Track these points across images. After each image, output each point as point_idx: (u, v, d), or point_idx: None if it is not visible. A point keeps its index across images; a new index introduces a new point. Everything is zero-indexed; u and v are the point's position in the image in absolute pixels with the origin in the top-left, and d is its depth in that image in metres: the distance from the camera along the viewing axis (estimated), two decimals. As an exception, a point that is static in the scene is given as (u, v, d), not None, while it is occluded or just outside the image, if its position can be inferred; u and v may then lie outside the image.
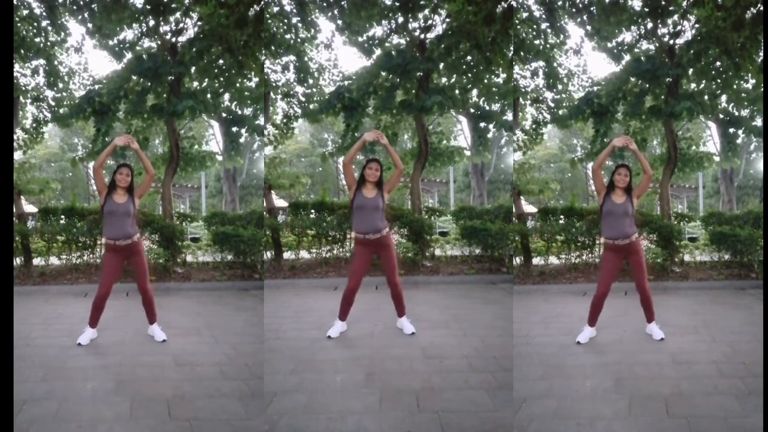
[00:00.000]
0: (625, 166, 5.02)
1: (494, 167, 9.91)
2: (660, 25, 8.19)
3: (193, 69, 8.12)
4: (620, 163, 5.13)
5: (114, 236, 4.88)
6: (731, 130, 8.93)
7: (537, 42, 8.47)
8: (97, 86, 8.35)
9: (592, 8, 8.26)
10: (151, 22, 8.16)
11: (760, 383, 3.97)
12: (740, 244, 8.05)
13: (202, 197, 11.10)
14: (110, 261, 4.93)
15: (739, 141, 9.16)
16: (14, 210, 8.43)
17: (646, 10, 8.13)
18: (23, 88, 8.42)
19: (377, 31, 8.40)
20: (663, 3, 8.07)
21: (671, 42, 8.22)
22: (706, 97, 8.19)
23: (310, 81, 8.66)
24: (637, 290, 5.11)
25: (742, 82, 8.20)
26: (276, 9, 8.37)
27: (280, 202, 9.43)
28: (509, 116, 8.58)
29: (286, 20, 8.47)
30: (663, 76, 8.18)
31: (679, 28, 8.19)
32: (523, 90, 8.58)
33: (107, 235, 4.90)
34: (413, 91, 8.38)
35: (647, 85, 8.28)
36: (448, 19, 8.26)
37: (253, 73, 8.11)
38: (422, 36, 8.36)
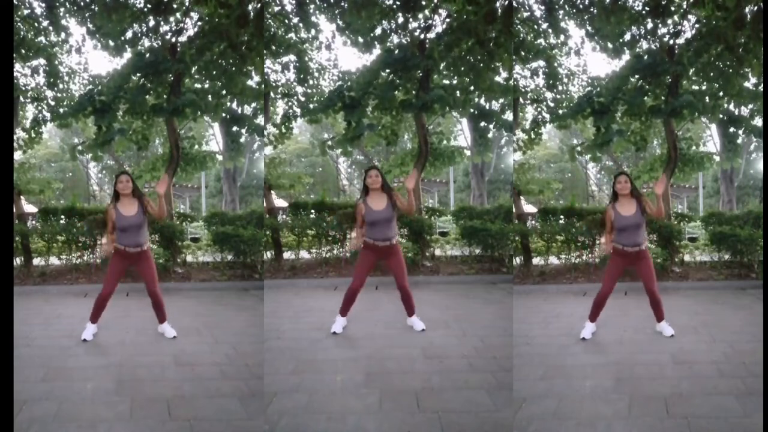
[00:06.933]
0: (623, 174, 5.10)
1: (494, 167, 9.91)
2: (660, 25, 8.18)
3: (193, 69, 8.11)
4: (619, 172, 5.20)
5: (125, 243, 4.96)
6: (731, 129, 8.92)
7: (537, 42, 8.46)
8: (97, 84, 8.34)
9: (592, 8, 8.25)
10: (152, 22, 8.16)
11: (760, 383, 3.96)
12: (740, 244, 8.04)
13: (202, 197, 11.10)
14: (116, 265, 5.02)
15: (739, 141, 9.15)
16: (14, 210, 8.43)
17: (647, 9, 8.12)
18: (23, 88, 8.41)
19: (377, 31, 8.39)
20: (663, 3, 8.06)
21: (671, 42, 8.21)
22: (707, 98, 8.18)
23: (310, 81, 8.65)
24: (647, 294, 5.13)
25: (743, 80, 8.18)
26: (276, 9, 8.37)
27: (280, 202, 9.43)
28: (509, 116, 8.57)
29: (286, 20, 8.47)
30: (663, 74, 8.17)
31: (679, 28, 8.19)
32: (523, 90, 8.58)
33: (118, 241, 4.97)
34: (413, 91, 8.37)
35: (647, 86, 8.27)
36: (448, 19, 8.25)
37: (253, 72, 8.11)
38: (422, 36, 8.35)
